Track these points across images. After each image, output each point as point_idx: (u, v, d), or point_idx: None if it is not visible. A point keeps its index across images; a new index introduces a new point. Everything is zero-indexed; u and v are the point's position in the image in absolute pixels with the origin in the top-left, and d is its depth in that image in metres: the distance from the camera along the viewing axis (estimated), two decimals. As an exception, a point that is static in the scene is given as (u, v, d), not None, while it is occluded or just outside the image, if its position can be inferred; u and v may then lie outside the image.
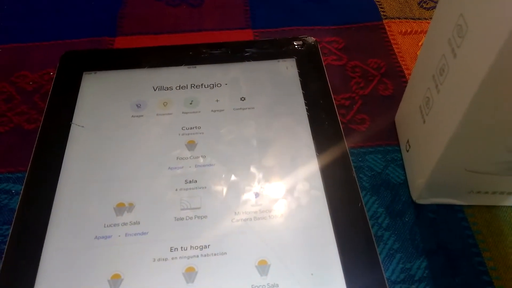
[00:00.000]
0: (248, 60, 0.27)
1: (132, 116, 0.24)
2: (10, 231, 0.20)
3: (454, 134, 0.18)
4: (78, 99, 0.25)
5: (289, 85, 0.26)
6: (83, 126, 0.24)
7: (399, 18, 0.31)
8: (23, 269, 0.19)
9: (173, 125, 0.24)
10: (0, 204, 0.22)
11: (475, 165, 0.19)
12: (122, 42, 0.30)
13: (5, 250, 0.19)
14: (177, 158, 0.23)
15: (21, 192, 0.21)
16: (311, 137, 0.23)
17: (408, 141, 0.23)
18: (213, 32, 0.31)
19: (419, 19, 0.31)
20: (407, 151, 0.23)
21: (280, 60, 0.27)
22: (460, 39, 0.17)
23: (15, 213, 0.20)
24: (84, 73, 0.26)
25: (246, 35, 0.31)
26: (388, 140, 0.25)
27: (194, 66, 0.27)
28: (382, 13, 0.32)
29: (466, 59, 0.17)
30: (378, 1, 0.33)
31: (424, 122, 0.21)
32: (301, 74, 0.27)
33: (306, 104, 0.25)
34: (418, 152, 0.22)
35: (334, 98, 0.25)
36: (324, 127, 0.24)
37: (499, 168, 0.19)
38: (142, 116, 0.24)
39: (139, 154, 0.23)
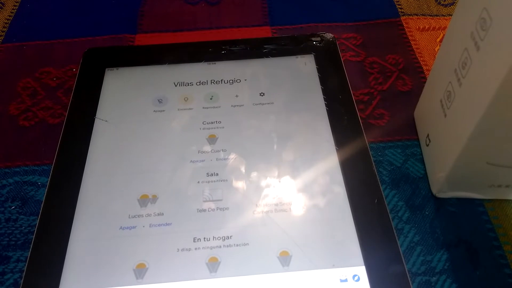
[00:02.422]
0: (267, 57, 0.28)
1: (154, 111, 0.25)
2: (38, 222, 0.20)
3: (476, 127, 0.18)
4: (101, 94, 0.26)
5: (308, 81, 0.26)
6: (106, 121, 0.24)
7: (416, 15, 0.31)
8: (50, 258, 0.20)
9: (194, 120, 0.24)
10: (27, 196, 0.23)
11: (497, 159, 0.19)
12: (142, 39, 0.31)
13: (32, 240, 0.20)
14: (198, 152, 0.23)
15: (48, 184, 0.22)
16: (331, 131, 0.24)
17: (428, 135, 0.23)
18: (231, 29, 0.31)
19: (436, 15, 0.31)
20: (427, 145, 0.23)
21: (299, 56, 0.28)
22: (483, 33, 0.17)
23: (42, 204, 0.21)
24: (106, 69, 0.27)
25: (264, 32, 0.31)
26: (407, 135, 0.25)
27: (213, 62, 0.27)
28: (399, 9, 0.32)
29: (490, 52, 0.17)
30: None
31: (445, 116, 0.21)
32: (319, 70, 0.27)
33: (325, 100, 0.25)
34: (438, 146, 0.22)
35: (352, 94, 0.25)
36: (344, 122, 0.24)
37: (521, 161, 0.19)
38: (163, 111, 0.25)
39: (162, 148, 0.23)
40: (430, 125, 0.23)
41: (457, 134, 0.19)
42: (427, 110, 0.24)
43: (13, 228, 0.22)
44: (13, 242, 0.21)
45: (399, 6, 0.32)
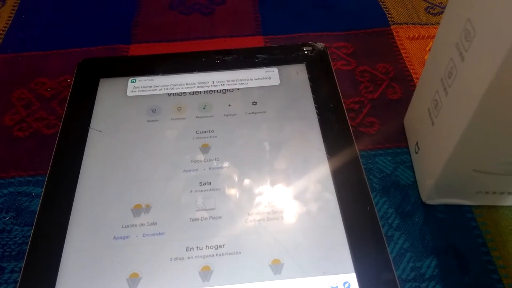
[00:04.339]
0: (259, 66, 0.28)
1: (148, 120, 0.25)
2: (32, 232, 0.21)
3: (462, 135, 0.18)
4: (95, 104, 0.26)
5: (300, 90, 0.27)
6: (100, 131, 0.25)
7: (406, 24, 0.32)
8: (44, 268, 0.20)
9: (187, 129, 0.25)
10: (21, 207, 0.23)
11: (483, 166, 0.20)
12: (136, 50, 0.31)
13: (27, 251, 0.20)
14: (191, 161, 0.23)
15: (42, 194, 0.22)
16: (322, 140, 0.24)
17: (417, 143, 0.24)
18: (224, 39, 0.32)
19: (426, 24, 0.32)
20: (416, 153, 0.24)
21: (291, 65, 0.28)
22: (467, 43, 0.18)
23: (36, 215, 0.21)
24: (100, 79, 0.27)
25: (257, 41, 0.31)
26: (397, 143, 0.25)
27: (207, 72, 0.28)
28: (389, 19, 0.33)
29: (474, 63, 0.17)
30: (385, 7, 0.33)
31: (432, 124, 0.21)
32: (311, 79, 0.27)
33: (316, 108, 0.26)
34: (427, 153, 0.22)
35: (343, 102, 0.26)
36: (334, 130, 0.24)
37: (506, 168, 0.19)
38: (157, 120, 0.25)
39: (155, 157, 0.23)
40: (419, 133, 0.23)
41: (444, 142, 0.20)
42: (416, 118, 0.24)
43: (8, 239, 0.22)
44: (8, 253, 0.21)
45: (389, 15, 0.33)
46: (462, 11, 0.18)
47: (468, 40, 0.18)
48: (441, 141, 0.20)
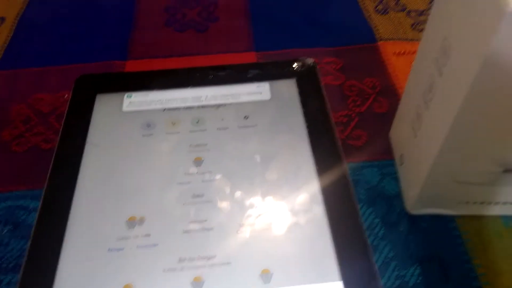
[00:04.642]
0: (251, 81, 0.29)
1: (143, 135, 0.26)
2: (28, 245, 0.21)
3: (442, 147, 0.19)
4: (91, 119, 0.27)
5: (290, 104, 0.28)
6: (97, 145, 0.25)
7: (393, 39, 0.33)
8: (40, 281, 0.20)
9: (181, 143, 0.26)
10: (18, 220, 0.24)
11: (463, 176, 0.20)
12: (132, 66, 0.32)
13: (23, 263, 0.21)
14: (185, 174, 0.24)
15: (39, 208, 0.22)
16: (311, 152, 0.25)
17: (402, 155, 0.24)
18: (218, 55, 0.33)
19: (412, 40, 0.33)
20: (401, 165, 0.24)
21: (281, 80, 0.29)
22: (445, 59, 0.19)
23: (33, 228, 0.22)
24: (97, 95, 0.28)
25: (250, 57, 0.33)
26: (383, 155, 0.26)
27: (200, 87, 0.29)
28: (377, 34, 0.34)
29: (451, 78, 0.18)
30: (373, 24, 0.35)
31: (415, 136, 0.22)
32: (301, 94, 0.28)
33: (305, 122, 0.26)
34: (411, 165, 0.23)
35: (332, 116, 0.27)
36: (323, 143, 0.25)
37: (485, 179, 0.20)
38: (152, 135, 0.26)
39: (150, 171, 0.24)
40: (403, 146, 0.24)
41: (426, 154, 0.21)
42: (401, 131, 0.25)
43: (5, 252, 0.22)
44: (5, 265, 0.22)
45: (377, 31, 0.34)
46: (440, 29, 0.19)
47: (445, 56, 0.19)
48: (423, 153, 0.21)
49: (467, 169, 0.20)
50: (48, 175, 0.24)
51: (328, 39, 0.34)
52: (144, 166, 0.24)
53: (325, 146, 0.25)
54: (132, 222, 0.22)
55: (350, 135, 0.27)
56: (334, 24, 0.35)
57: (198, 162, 0.25)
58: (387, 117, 0.28)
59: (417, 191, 0.22)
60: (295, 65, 0.30)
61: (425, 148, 0.21)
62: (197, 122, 0.27)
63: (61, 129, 0.26)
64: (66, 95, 0.30)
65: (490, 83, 0.16)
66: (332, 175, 0.24)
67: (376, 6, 0.36)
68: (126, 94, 0.28)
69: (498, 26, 0.14)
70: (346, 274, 0.20)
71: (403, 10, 0.36)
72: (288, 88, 0.29)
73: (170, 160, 0.25)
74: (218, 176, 0.24)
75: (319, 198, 0.23)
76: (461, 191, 0.21)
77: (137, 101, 0.28)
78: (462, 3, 0.17)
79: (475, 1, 0.16)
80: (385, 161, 0.26)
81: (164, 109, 0.27)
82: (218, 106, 0.28)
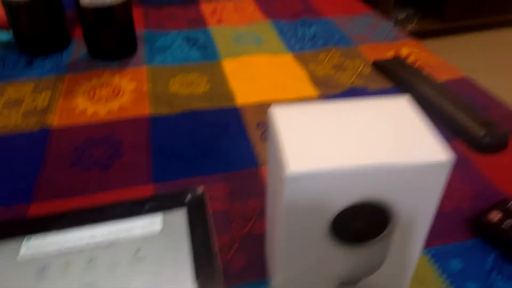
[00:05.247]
0: (145, 213, 0.32)
1: (36, 279, 0.28)
2: None
3: (280, 264, 0.23)
4: (-14, 268, 0.28)
5: (179, 235, 0.31)
6: (-13, 295, 0.27)
7: (274, 163, 0.39)
8: None
9: (73, 284, 0.27)
10: None
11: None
12: (36, 208, 0.34)
13: None
14: (73, 316, 0.26)
15: None
16: (193, 279, 0.28)
17: (272, 273, 0.28)
18: (119, 190, 0.36)
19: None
20: (273, 281, 0.28)
21: (173, 210, 0.33)
22: (271, 194, 0.24)
23: None
24: (-5, 243, 0.30)
25: (147, 190, 0.36)
26: (261, 275, 0.29)
27: (96, 225, 0.31)
28: (260, 160, 0.39)
29: (276, 203, 0.23)
30: (257, 151, 0.40)
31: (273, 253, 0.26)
32: (189, 222, 0.32)
33: (191, 252, 0.30)
34: (276, 281, 0.26)
35: (216, 241, 0.30)
36: (205, 269, 0.28)
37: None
38: (46, 277, 0.28)
39: (38, 317, 0.25)
40: (271, 262, 0.28)
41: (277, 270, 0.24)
42: (269, 249, 0.29)
43: None
44: None
45: (260, 158, 0.40)
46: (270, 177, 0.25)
47: (275, 197, 0.24)
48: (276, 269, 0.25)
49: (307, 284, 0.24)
50: None
51: (219, 167, 0.39)
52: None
53: (206, 274, 0.28)
54: None
55: (232, 258, 0.31)
56: (224, 153, 0.40)
57: (89, 301, 0.26)
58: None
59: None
60: (185, 195, 0.34)
61: (276, 264, 0.25)
62: (90, 262, 0.29)
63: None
64: (-34, 244, 0.31)
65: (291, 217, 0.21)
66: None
67: (261, 134, 0.42)
68: (23, 239, 0.30)
69: (284, 184, 0.20)
70: None
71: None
72: (179, 218, 0.32)
73: (61, 302, 0.26)
74: (106, 314, 0.26)
75: (198, 324, 0.25)
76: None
77: (34, 244, 0.30)
78: (275, 165, 0.23)
79: (281, 165, 0.22)
80: (263, 279, 0.29)
81: (60, 251, 0.30)
82: (111, 243, 0.30)
